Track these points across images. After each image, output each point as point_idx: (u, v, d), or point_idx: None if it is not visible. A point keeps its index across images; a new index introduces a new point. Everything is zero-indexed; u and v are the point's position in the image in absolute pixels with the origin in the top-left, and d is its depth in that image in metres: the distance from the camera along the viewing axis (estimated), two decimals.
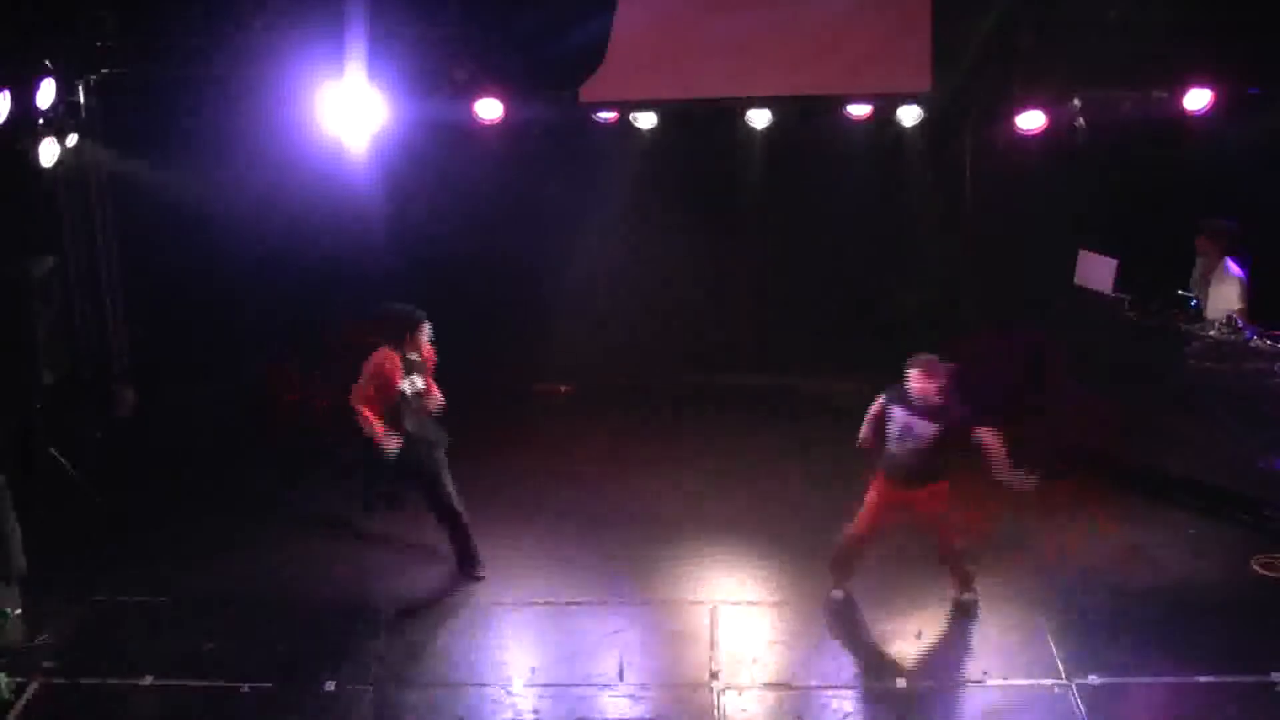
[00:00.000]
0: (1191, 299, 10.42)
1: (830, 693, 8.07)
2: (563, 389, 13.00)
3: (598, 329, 12.41)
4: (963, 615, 8.81)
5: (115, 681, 8.19)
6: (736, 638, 8.70)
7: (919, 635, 8.60)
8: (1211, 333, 10.10)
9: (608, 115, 11.46)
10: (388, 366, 8.79)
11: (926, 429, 8.42)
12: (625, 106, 11.35)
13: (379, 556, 9.65)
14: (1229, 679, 8.00)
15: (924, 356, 8.49)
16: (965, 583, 8.90)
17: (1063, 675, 8.10)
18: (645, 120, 11.53)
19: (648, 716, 7.91)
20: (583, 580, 9.32)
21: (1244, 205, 10.60)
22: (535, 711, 7.94)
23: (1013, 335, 11.01)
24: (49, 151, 10.30)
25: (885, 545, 9.13)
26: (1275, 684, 7.93)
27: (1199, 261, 10.63)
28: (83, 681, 8.19)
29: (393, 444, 8.76)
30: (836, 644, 8.60)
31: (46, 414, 10.16)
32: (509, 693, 8.11)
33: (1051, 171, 11.05)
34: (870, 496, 8.72)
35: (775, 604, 9.07)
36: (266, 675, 8.21)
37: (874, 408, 8.77)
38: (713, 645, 8.60)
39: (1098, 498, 10.42)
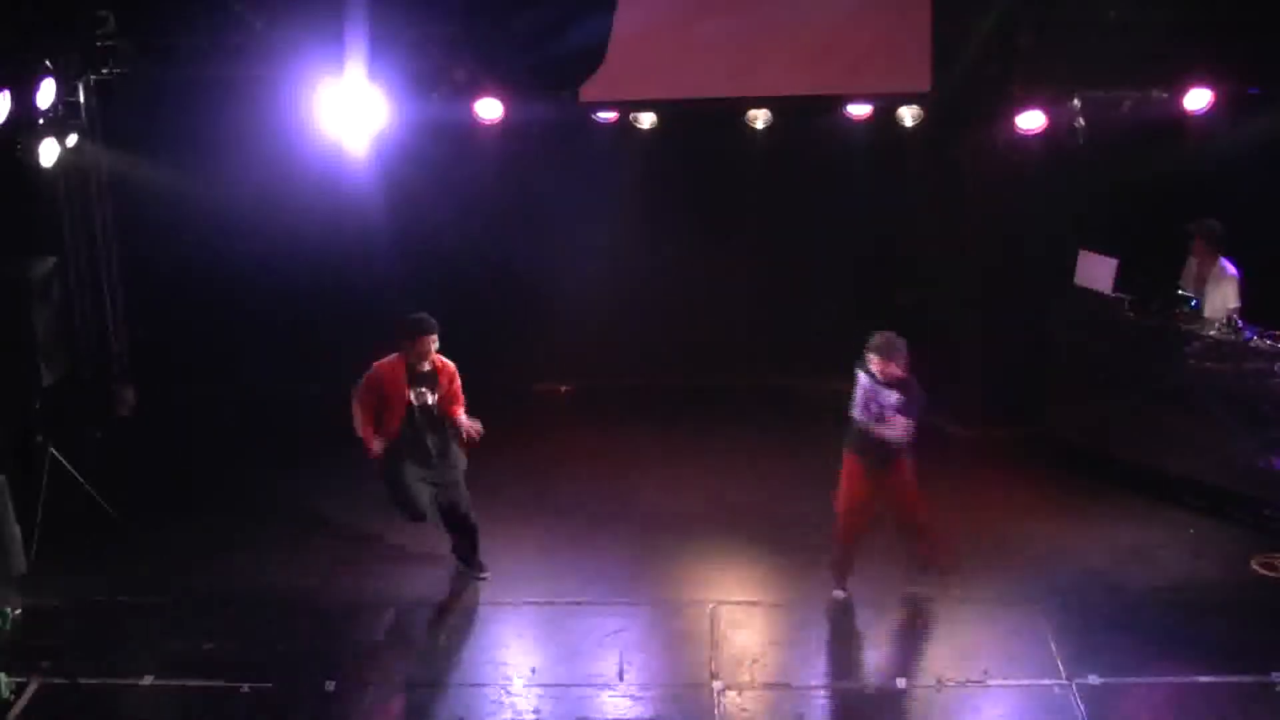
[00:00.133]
0: (1191, 299, 10.42)
1: (830, 693, 8.08)
2: (563, 389, 13.00)
3: (597, 329, 12.40)
4: (944, 577, 8.90)
5: (115, 681, 8.19)
6: (736, 638, 8.70)
7: (919, 635, 8.60)
8: (1211, 333, 10.11)
9: (608, 115, 11.46)
10: (386, 374, 8.75)
11: (889, 398, 8.49)
12: (625, 106, 11.34)
13: (379, 556, 9.65)
14: (1229, 679, 8.01)
15: (882, 337, 8.57)
16: (934, 551, 8.90)
17: (1063, 675, 8.10)
18: (645, 120, 11.53)
19: (648, 716, 7.91)
20: (583, 580, 9.33)
21: (1244, 205, 10.60)
22: (535, 711, 7.95)
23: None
24: (49, 151, 10.29)
25: (885, 545, 9.14)
26: (1275, 684, 7.94)
27: (1190, 262, 10.64)
28: (83, 681, 8.19)
29: (375, 448, 8.70)
30: (836, 644, 8.61)
31: (46, 414, 10.15)
32: (509, 693, 8.12)
33: (1051, 171, 11.04)
34: (843, 474, 8.80)
35: (775, 604, 9.07)
36: (266, 675, 8.21)
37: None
38: (713, 645, 8.60)
39: (1098, 498, 10.43)
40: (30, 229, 10.83)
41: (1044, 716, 7.84)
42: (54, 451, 9.98)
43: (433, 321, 8.78)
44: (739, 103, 11.33)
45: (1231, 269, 10.35)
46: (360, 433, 8.78)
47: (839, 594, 8.96)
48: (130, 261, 12.06)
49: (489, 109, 10.92)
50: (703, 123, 11.79)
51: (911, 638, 8.59)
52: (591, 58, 10.69)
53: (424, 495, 8.91)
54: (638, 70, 10.82)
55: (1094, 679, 8.03)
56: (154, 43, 10.57)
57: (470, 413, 8.90)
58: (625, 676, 8.24)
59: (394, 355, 8.79)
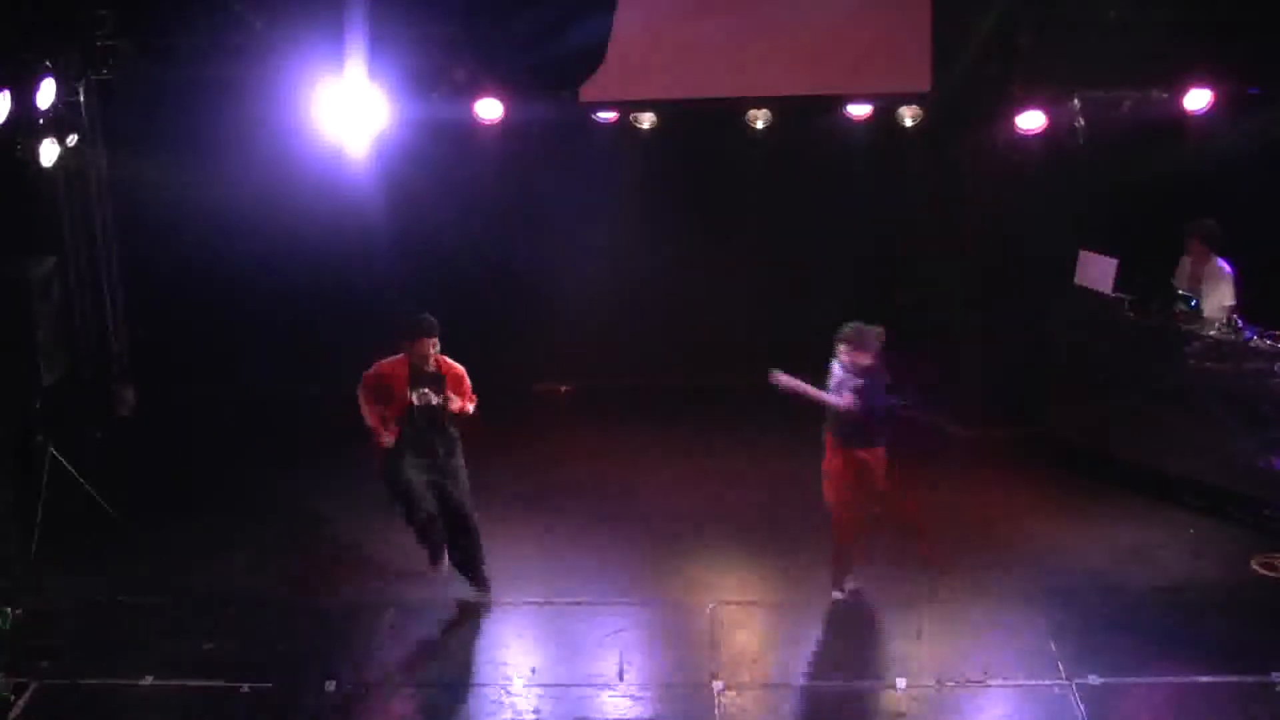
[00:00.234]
0: (1191, 299, 10.43)
1: (830, 693, 8.07)
2: (563, 389, 13.01)
3: (597, 329, 12.40)
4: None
5: (115, 681, 8.19)
6: (736, 638, 8.70)
7: (919, 635, 8.60)
8: (1211, 333, 10.11)
9: (608, 115, 11.46)
10: (387, 373, 8.68)
11: (854, 385, 8.59)
12: (625, 106, 11.34)
13: (379, 556, 9.64)
14: (1229, 679, 8.01)
15: (853, 327, 8.65)
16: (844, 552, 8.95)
17: (1063, 675, 8.10)
18: (645, 120, 11.53)
19: (648, 716, 7.91)
20: (583, 580, 9.32)
21: (1244, 205, 10.60)
22: (535, 711, 7.94)
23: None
24: (49, 151, 10.29)
25: (885, 545, 9.14)
26: (1275, 684, 7.93)
27: (1184, 261, 10.65)
28: (83, 681, 8.19)
29: (385, 439, 8.60)
30: (836, 644, 8.60)
31: (46, 414, 10.15)
32: (509, 693, 8.11)
33: (1051, 171, 11.04)
34: (825, 465, 8.86)
35: (775, 604, 9.08)
36: (266, 675, 8.20)
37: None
38: (713, 645, 8.60)
39: (1098, 498, 10.43)
40: (30, 229, 10.83)
41: (1044, 716, 7.84)
42: (54, 451, 9.98)
43: (432, 323, 8.65)
44: (739, 103, 11.34)
45: (1227, 267, 10.37)
46: (370, 422, 8.66)
47: (837, 594, 8.96)
48: (130, 261, 12.06)
49: (489, 109, 10.92)
50: (703, 123, 11.79)
51: (911, 638, 8.57)
52: (591, 58, 10.69)
53: (425, 497, 8.76)
54: (638, 70, 10.82)
55: (1094, 679, 8.03)
56: (154, 43, 10.57)
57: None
58: (625, 676, 8.24)
59: (399, 355, 8.72)
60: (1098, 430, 10.83)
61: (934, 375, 12.16)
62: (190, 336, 12.06)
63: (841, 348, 8.66)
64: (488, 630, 8.79)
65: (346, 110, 10.12)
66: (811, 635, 8.73)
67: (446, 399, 8.62)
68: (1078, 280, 10.77)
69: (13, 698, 7.96)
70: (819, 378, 8.84)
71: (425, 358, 8.62)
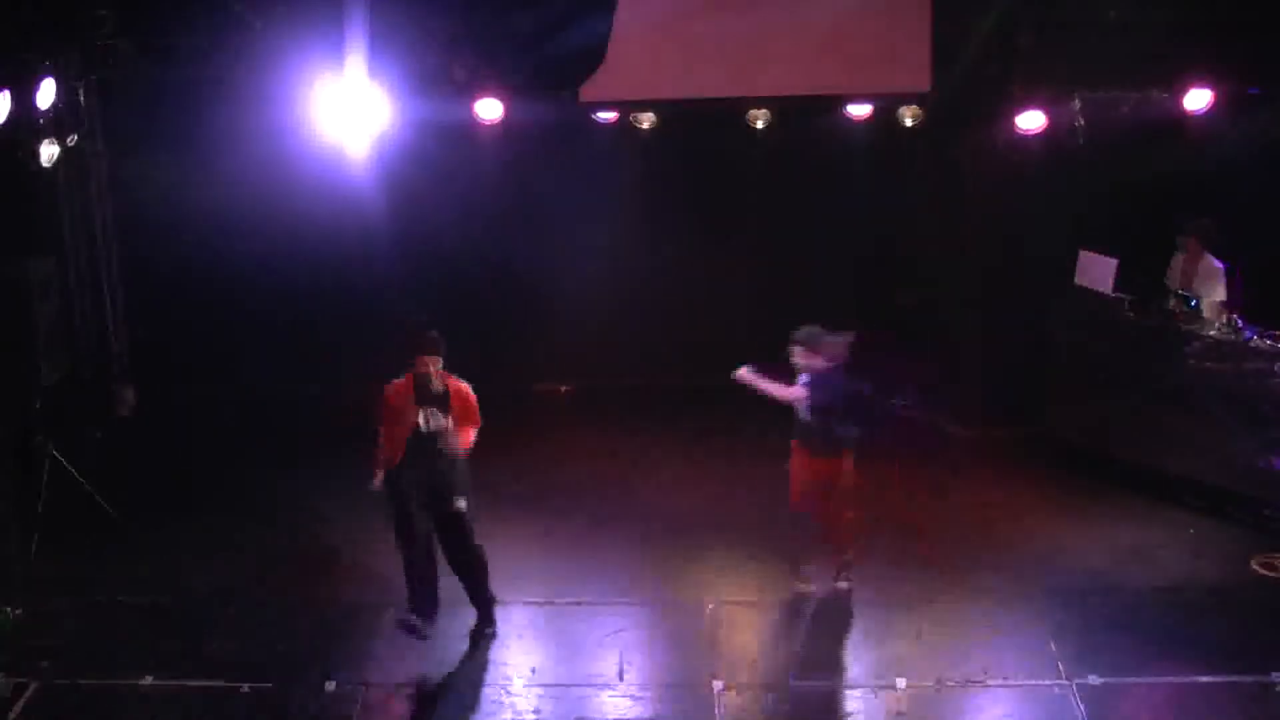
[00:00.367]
0: (1192, 299, 10.43)
1: (830, 693, 8.07)
2: (563, 389, 13.01)
3: (597, 329, 12.41)
4: (836, 579, 9.00)
5: (115, 681, 8.18)
6: (736, 638, 8.70)
7: (919, 635, 8.60)
8: (1211, 333, 10.11)
9: (608, 115, 11.47)
10: (390, 394, 8.40)
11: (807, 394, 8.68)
12: (625, 106, 11.35)
13: (379, 556, 9.63)
14: (1229, 679, 8.00)
15: (806, 330, 8.72)
16: (843, 550, 8.99)
17: (1063, 675, 8.10)
18: (645, 120, 11.53)
19: (648, 716, 7.91)
20: (583, 580, 9.32)
21: (1243, 205, 10.61)
22: (535, 711, 7.94)
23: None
24: (49, 151, 10.29)
25: (885, 545, 9.14)
26: (1275, 684, 7.93)
27: (1177, 260, 10.68)
28: (83, 681, 8.18)
29: (377, 479, 8.32)
30: (837, 644, 8.60)
31: (46, 414, 10.15)
32: (509, 693, 8.11)
33: (1051, 171, 11.05)
34: (790, 466, 8.90)
35: (775, 604, 9.07)
36: (266, 675, 8.20)
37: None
38: (713, 645, 8.60)
39: (1098, 498, 10.43)
40: (30, 229, 10.83)
41: (1044, 716, 7.84)
42: (54, 452, 9.98)
43: (433, 340, 8.32)
44: (739, 103, 11.34)
45: (1218, 263, 10.40)
46: (381, 453, 8.39)
47: (801, 587, 9.02)
48: (130, 261, 12.07)
49: (489, 109, 10.92)
50: (703, 123, 11.80)
51: (911, 638, 8.57)
52: (591, 58, 10.69)
53: (421, 520, 8.42)
54: (638, 70, 10.83)
55: (1094, 679, 8.02)
56: (154, 43, 10.57)
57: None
58: (625, 676, 8.24)
59: (404, 375, 8.38)
60: (1098, 430, 10.83)
61: (934, 375, 12.19)
62: (190, 336, 12.05)
63: (795, 349, 8.73)
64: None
65: (346, 110, 10.12)
66: (811, 635, 8.73)
67: (451, 425, 8.32)
68: (1078, 280, 10.77)
69: (12, 697, 7.96)
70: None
71: (429, 376, 8.30)
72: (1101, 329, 10.69)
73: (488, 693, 8.13)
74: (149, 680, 8.17)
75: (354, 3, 9.88)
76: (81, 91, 10.96)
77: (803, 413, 8.79)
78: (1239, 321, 10.04)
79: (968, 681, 8.11)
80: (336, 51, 9.94)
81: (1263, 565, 9.32)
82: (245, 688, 8.09)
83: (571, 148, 11.93)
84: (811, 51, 10.86)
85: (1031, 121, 10.73)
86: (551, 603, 9.05)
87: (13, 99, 9.33)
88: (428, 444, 8.30)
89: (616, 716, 7.91)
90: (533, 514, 10.25)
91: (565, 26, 10.62)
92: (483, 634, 8.67)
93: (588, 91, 10.93)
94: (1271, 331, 9.87)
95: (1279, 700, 7.82)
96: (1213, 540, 9.74)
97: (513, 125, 11.13)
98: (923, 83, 10.96)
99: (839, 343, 8.76)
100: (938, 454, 11.42)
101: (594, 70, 10.75)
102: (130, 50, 10.58)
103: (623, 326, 12.50)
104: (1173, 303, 10.56)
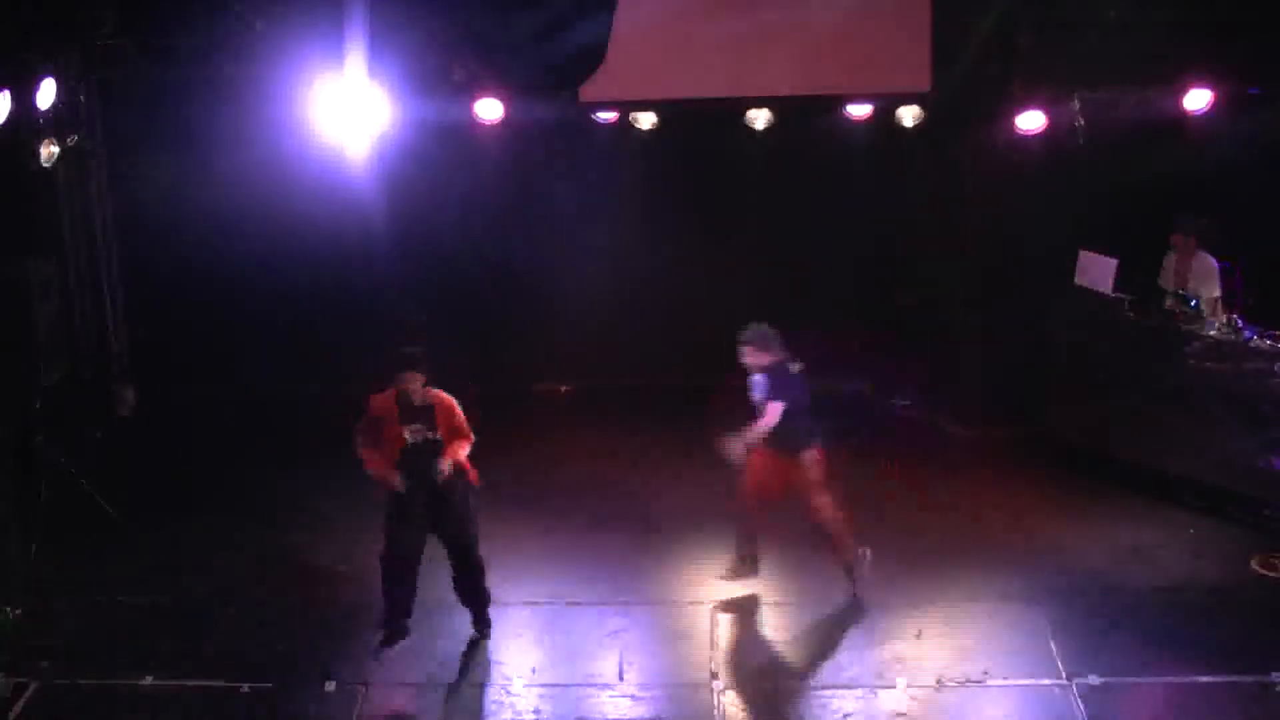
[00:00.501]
0: (1192, 299, 10.43)
1: (830, 693, 8.07)
2: (563, 389, 13.00)
3: (597, 329, 12.40)
4: (851, 576, 8.91)
5: (115, 681, 8.19)
6: (736, 638, 8.70)
7: (919, 635, 8.60)
8: (1211, 333, 10.11)
9: (608, 115, 11.46)
10: (375, 408, 8.30)
11: (761, 386, 8.69)
12: (625, 106, 11.34)
13: (379, 557, 9.62)
14: (1229, 679, 8.00)
15: (754, 329, 8.75)
16: (845, 548, 8.92)
17: (1063, 675, 8.10)
18: (645, 120, 11.53)
19: (648, 716, 7.91)
20: (583, 580, 9.33)
21: (1243, 205, 10.61)
22: (535, 711, 7.95)
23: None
24: (49, 151, 10.29)
25: (883, 545, 9.14)
26: (1275, 684, 7.93)
27: (1170, 259, 10.68)
28: (83, 681, 8.19)
29: (395, 483, 8.19)
30: (836, 644, 8.59)
31: (46, 414, 10.15)
32: (509, 693, 8.11)
33: (1051, 171, 11.04)
34: (749, 461, 8.85)
35: (775, 604, 9.07)
36: (266, 675, 8.21)
37: None
38: (713, 645, 8.60)
39: (1098, 498, 10.43)
40: (30, 229, 10.83)
41: (1044, 716, 7.84)
42: (54, 452, 9.98)
43: (415, 357, 8.21)
44: (739, 103, 11.34)
45: (1212, 260, 10.42)
46: (373, 470, 8.28)
47: (725, 576, 9.06)
48: (130, 261, 12.06)
49: (489, 109, 10.92)
50: (703, 123, 11.79)
51: (911, 638, 8.57)
52: (591, 58, 10.69)
53: (413, 540, 8.35)
54: (638, 70, 10.82)
55: (1094, 679, 8.02)
56: (154, 43, 10.57)
57: (471, 413, 8.70)
58: (625, 676, 8.24)
59: (387, 390, 8.29)
60: (1098, 430, 10.83)
61: (934, 375, 12.20)
62: (190, 336, 12.05)
63: (744, 349, 8.75)
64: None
65: (346, 110, 10.13)
66: (811, 635, 8.73)
67: (440, 439, 8.23)
68: (1078, 280, 10.77)
69: (12, 697, 7.97)
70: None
71: (411, 392, 8.21)
72: (1101, 329, 10.68)
73: (488, 693, 8.14)
74: (149, 680, 8.17)
75: (354, 3, 9.88)
76: (81, 91, 10.96)
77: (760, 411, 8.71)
78: (1239, 321, 10.03)
79: (968, 681, 8.11)
80: (336, 51, 9.95)
81: (1263, 565, 9.32)
82: (245, 688, 8.09)
83: (571, 148, 11.93)
84: (811, 51, 10.86)
85: (1031, 121, 10.72)
86: (551, 603, 9.05)
87: (13, 99, 9.33)
88: (419, 462, 8.21)
89: (616, 716, 7.91)
90: (533, 514, 10.25)
91: (565, 27, 10.62)
92: (480, 635, 8.65)
93: (588, 91, 10.92)
94: (1271, 331, 9.87)
95: (1279, 700, 7.82)
96: (1213, 540, 9.73)
97: (513, 125, 11.13)
98: (923, 83, 10.95)
99: (781, 339, 8.76)
100: (938, 454, 11.42)
101: (594, 70, 10.75)
102: (130, 50, 10.59)
103: (623, 326, 12.49)
104: (1169, 303, 10.57)
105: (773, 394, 8.68)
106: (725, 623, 8.83)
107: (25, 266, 10.15)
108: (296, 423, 11.70)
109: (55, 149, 10.36)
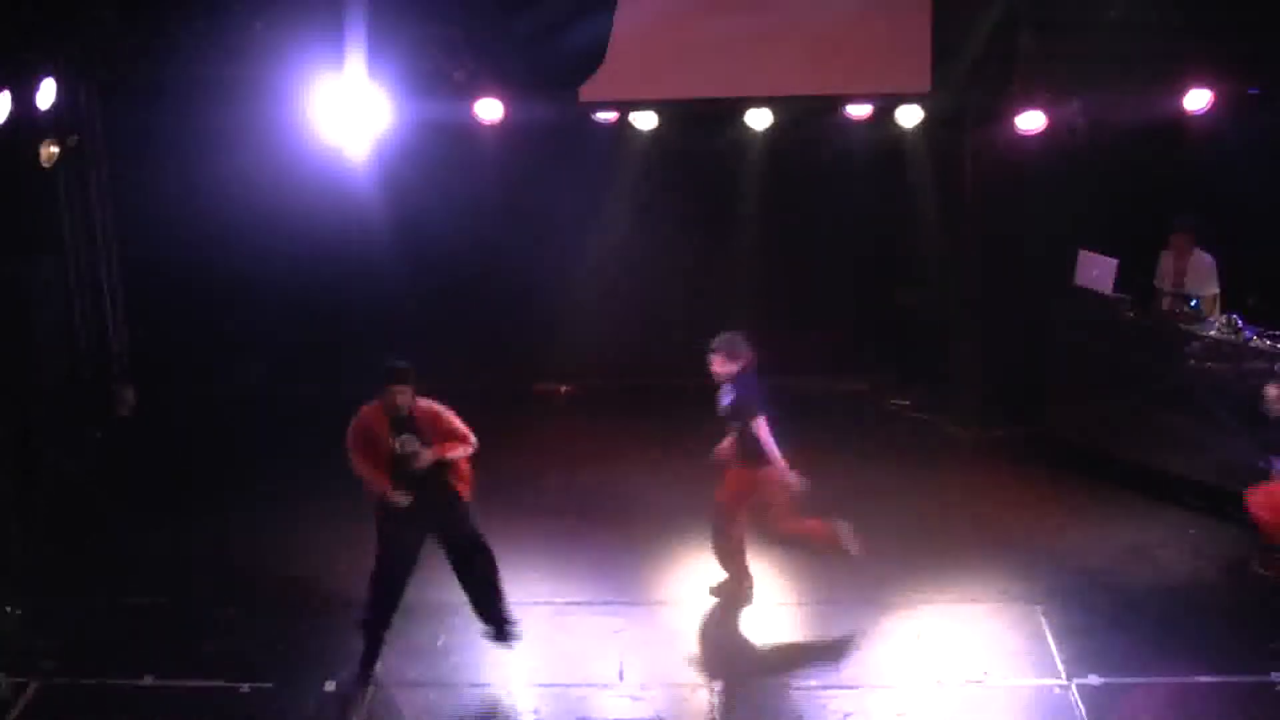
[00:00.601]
0: (1192, 299, 10.43)
1: (830, 693, 8.07)
2: (563, 389, 13.00)
3: (597, 329, 12.40)
4: (847, 552, 8.78)
5: (115, 681, 8.19)
6: (736, 638, 8.70)
7: (919, 635, 8.60)
8: (1211, 332, 10.11)
9: (608, 115, 11.46)
10: (367, 421, 8.20)
11: (725, 398, 8.69)
12: (625, 106, 11.34)
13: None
14: (1229, 679, 8.00)
15: (724, 337, 8.72)
16: (825, 544, 8.84)
17: (1063, 675, 8.10)
18: (645, 120, 11.53)
19: (648, 716, 7.91)
20: (583, 580, 9.33)
21: (1243, 205, 10.61)
22: (535, 711, 7.95)
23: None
24: (49, 151, 10.29)
25: (882, 545, 9.14)
26: (1275, 684, 7.93)
27: (1166, 258, 10.69)
28: (83, 681, 8.19)
29: (395, 496, 8.09)
30: (837, 644, 8.59)
31: (46, 414, 10.15)
32: (509, 693, 8.12)
33: (1051, 171, 11.05)
34: (726, 479, 8.90)
35: (775, 604, 9.07)
36: (266, 675, 8.20)
37: None
38: (712, 645, 8.60)
39: (1098, 498, 10.43)
40: (30, 229, 10.83)
41: (1044, 716, 7.84)
42: (54, 452, 9.98)
43: (403, 370, 8.07)
44: (739, 103, 11.34)
45: (1209, 257, 10.42)
46: (369, 481, 8.17)
47: (713, 586, 9.04)
48: (130, 261, 12.06)
49: (489, 109, 10.92)
50: (703, 123, 11.79)
51: (911, 638, 8.57)
52: (591, 58, 10.69)
53: (407, 553, 8.28)
54: (638, 70, 10.82)
55: (1094, 679, 8.03)
56: (154, 43, 10.57)
57: (471, 413, 8.64)
58: (625, 676, 8.24)
59: (376, 401, 8.20)
60: (1098, 430, 10.83)
61: (934, 375, 12.20)
62: (190, 336, 12.05)
63: (713, 357, 8.71)
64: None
65: (346, 110, 10.11)
66: (811, 635, 8.73)
67: (422, 449, 8.11)
68: (1078, 280, 10.77)
69: (12, 697, 7.96)
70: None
71: (397, 406, 8.11)
72: (1101, 329, 10.69)
73: (488, 693, 8.14)
74: (149, 680, 8.17)
75: (354, 3, 9.88)
76: (81, 91, 10.96)
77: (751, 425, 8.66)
78: (1239, 321, 10.03)
79: (967, 681, 8.11)
80: (336, 51, 9.93)
81: (1263, 565, 9.31)
82: (245, 688, 8.09)
83: (571, 148, 11.92)
84: (811, 51, 10.86)
85: (1031, 121, 10.73)
86: (551, 603, 9.05)
87: (13, 99, 9.33)
88: (411, 473, 8.13)
89: (616, 716, 7.91)
90: (532, 514, 10.25)
91: (565, 27, 10.62)
92: (503, 641, 8.46)
93: (588, 91, 10.92)
94: (1271, 331, 9.87)
95: (1279, 700, 7.82)
96: (1213, 540, 9.74)
97: (513, 125, 11.13)
98: (923, 83, 10.96)
99: (749, 347, 8.72)
100: (937, 454, 11.42)
101: (594, 70, 10.75)
102: (130, 50, 10.59)
103: (623, 326, 12.49)
104: (1167, 302, 10.57)
105: (746, 403, 8.62)
106: (725, 623, 8.83)
107: (25, 266, 10.15)
108: (296, 423, 11.69)
109: (55, 149, 10.36)
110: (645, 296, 12.52)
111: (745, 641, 8.68)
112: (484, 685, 8.20)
